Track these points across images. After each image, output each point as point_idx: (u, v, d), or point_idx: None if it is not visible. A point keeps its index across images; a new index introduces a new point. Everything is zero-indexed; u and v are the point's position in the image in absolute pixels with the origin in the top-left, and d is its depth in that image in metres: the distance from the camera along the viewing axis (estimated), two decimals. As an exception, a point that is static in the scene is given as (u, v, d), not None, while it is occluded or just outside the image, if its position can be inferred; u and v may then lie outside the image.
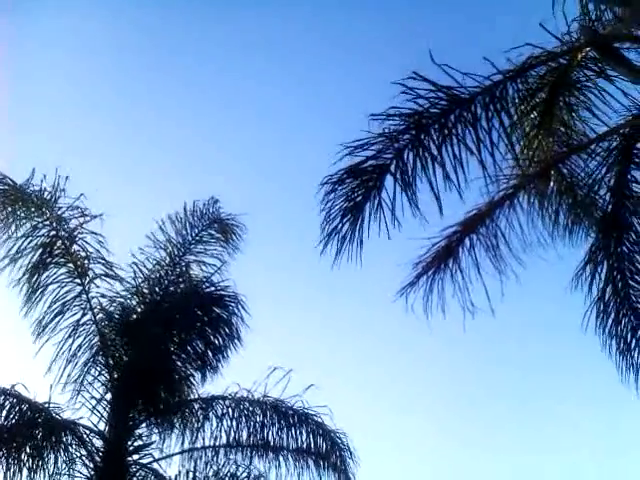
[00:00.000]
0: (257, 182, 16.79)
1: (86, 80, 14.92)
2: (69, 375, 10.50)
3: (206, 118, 16.68)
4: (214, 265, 11.67)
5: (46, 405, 10.03)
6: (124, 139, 15.85)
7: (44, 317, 10.56)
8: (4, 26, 12.08)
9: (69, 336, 10.64)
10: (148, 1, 14.42)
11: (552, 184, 8.29)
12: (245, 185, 16.53)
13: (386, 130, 7.22)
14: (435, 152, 7.23)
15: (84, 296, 10.74)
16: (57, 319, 10.62)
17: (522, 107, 7.25)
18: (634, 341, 8.31)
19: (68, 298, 10.70)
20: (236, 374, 11.20)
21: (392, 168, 7.34)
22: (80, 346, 10.69)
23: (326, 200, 7.41)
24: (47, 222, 10.66)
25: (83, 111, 15.31)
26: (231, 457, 10.75)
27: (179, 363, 10.75)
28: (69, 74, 14.66)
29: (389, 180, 7.41)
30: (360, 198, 7.45)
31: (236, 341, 10.90)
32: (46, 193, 10.64)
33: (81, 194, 10.64)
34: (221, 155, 17.13)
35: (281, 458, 10.86)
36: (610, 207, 7.90)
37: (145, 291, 11.15)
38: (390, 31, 14.38)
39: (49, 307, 10.61)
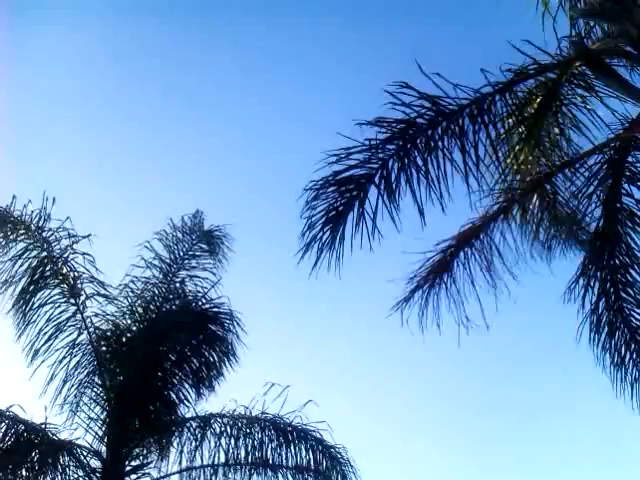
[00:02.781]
0: (249, 197, 16.71)
1: (72, 99, 14.91)
2: (66, 395, 10.47)
3: (187, 128, 16.51)
4: (208, 279, 11.59)
5: (43, 426, 9.98)
6: (104, 153, 15.78)
7: (39, 338, 10.50)
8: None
9: (65, 356, 10.60)
10: (134, 12, 14.37)
11: (542, 199, 8.26)
12: (237, 200, 16.45)
13: (371, 139, 7.01)
14: (421, 163, 7.06)
15: (79, 316, 10.67)
16: (52, 340, 10.57)
17: (510, 120, 7.18)
18: (628, 354, 8.20)
19: (63, 318, 10.64)
20: (233, 391, 11.16)
21: (376, 179, 7.13)
22: (77, 366, 10.65)
23: (308, 207, 7.18)
24: (37, 244, 10.60)
25: (66, 129, 15.26)
26: (230, 476, 10.67)
27: (175, 381, 10.68)
28: (49, 94, 14.65)
29: (373, 190, 7.19)
30: (342, 207, 7.21)
31: (232, 358, 10.85)
32: (34, 215, 10.54)
33: (67, 217, 10.58)
34: (204, 166, 17.11)
35: (280, 476, 10.76)
36: (602, 220, 7.83)
37: (139, 310, 11.08)
38: (378, 40, 14.33)
39: (44, 327, 10.55)
